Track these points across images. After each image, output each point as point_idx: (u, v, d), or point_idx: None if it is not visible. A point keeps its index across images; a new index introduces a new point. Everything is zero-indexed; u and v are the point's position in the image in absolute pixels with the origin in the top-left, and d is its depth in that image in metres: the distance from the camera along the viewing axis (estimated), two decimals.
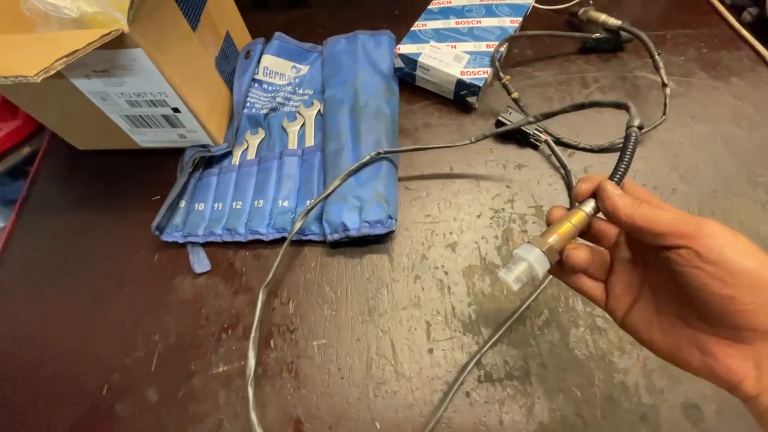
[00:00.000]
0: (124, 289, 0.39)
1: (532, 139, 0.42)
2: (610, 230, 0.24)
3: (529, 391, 0.32)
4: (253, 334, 0.34)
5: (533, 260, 0.22)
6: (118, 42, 0.31)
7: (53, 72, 0.25)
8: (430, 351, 0.34)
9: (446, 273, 0.37)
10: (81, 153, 0.48)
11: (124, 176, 0.46)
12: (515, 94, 0.42)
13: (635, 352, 0.32)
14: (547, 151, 0.42)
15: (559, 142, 0.42)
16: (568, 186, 0.40)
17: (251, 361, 0.33)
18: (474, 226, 0.39)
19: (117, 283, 0.40)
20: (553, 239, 0.22)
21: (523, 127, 0.41)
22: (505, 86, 0.42)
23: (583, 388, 0.32)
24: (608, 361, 0.33)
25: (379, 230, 0.37)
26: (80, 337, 0.38)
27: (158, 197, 0.44)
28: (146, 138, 0.44)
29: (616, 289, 0.23)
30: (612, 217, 0.21)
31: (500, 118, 0.42)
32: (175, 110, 0.39)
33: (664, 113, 0.41)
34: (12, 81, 0.24)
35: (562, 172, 0.41)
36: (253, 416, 0.31)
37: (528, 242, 0.23)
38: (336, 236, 0.37)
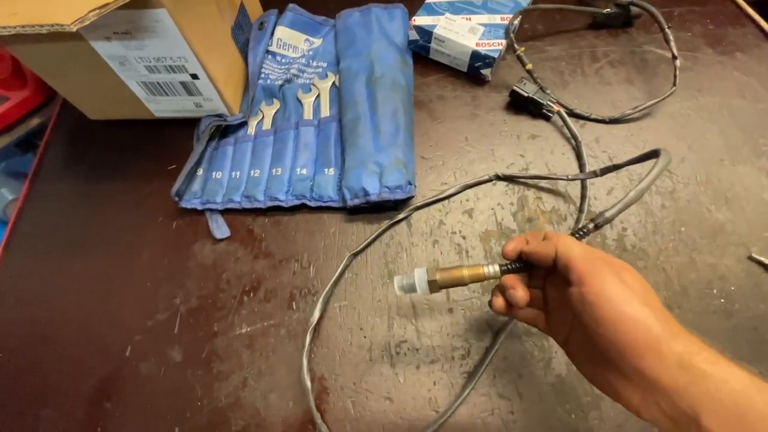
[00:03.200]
0: (143, 256, 0.40)
1: (545, 110, 0.42)
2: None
3: (547, 345, 0.33)
4: (326, 290, 0.36)
5: (417, 281, 0.28)
6: (142, 1, 0.31)
7: (88, 23, 0.25)
8: (450, 311, 0.35)
9: (464, 237, 0.38)
10: (92, 124, 0.47)
11: (137, 146, 0.46)
12: (530, 66, 0.43)
13: None
14: (560, 122, 0.43)
15: (571, 114, 0.43)
16: (578, 156, 0.41)
17: (316, 314, 0.35)
18: (490, 194, 0.40)
19: (135, 250, 0.40)
20: (440, 276, 0.27)
21: (536, 98, 0.42)
22: (519, 58, 0.43)
23: None
24: None
25: (399, 195, 0.38)
26: (101, 302, 0.38)
27: (174, 166, 0.44)
28: (161, 107, 0.44)
29: (552, 318, 0.26)
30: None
31: (515, 88, 0.43)
32: (194, 76, 0.39)
33: (674, 84, 0.42)
34: (48, 29, 0.24)
35: (573, 142, 0.42)
36: (305, 361, 0.33)
37: (427, 269, 0.28)
38: (356, 201, 0.38)
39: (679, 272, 0.35)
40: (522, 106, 0.44)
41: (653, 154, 0.28)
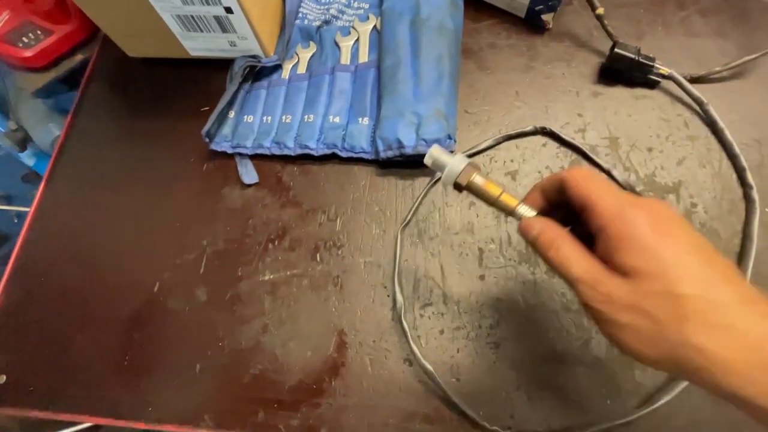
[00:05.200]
0: (175, 195, 0.40)
1: (652, 76, 0.36)
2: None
3: (586, 324, 0.30)
4: (396, 274, 0.33)
5: (449, 170, 0.24)
6: None
7: None
8: (482, 277, 0.33)
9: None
10: (132, 61, 0.47)
11: (174, 86, 0.45)
12: (600, 10, 0.37)
13: None
14: (622, 77, 0.37)
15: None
16: (710, 124, 0.35)
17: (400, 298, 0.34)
18: (538, 155, 0.36)
19: (167, 189, 0.40)
20: (475, 180, 0.24)
21: (643, 60, 0.35)
22: (589, 0, 0.37)
23: None
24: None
25: None
26: (135, 236, 0.38)
27: (207, 108, 0.43)
28: (197, 44, 0.42)
29: None
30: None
31: (619, 50, 0.35)
32: (228, 10, 0.37)
33: None
34: None
35: (697, 107, 0.35)
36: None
37: (468, 164, 0.24)
38: (389, 153, 0.35)
39: (759, 262, 0.30)
40: (615, 74, 0.37)
41: None
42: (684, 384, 0.27)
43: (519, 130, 0.36)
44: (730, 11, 0.39)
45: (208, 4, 0.37)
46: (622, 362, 0.29)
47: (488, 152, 0.37)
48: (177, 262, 0.37)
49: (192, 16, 0.38)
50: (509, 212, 0.24)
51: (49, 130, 0.54)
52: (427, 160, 0.25)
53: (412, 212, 0.35)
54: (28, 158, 0.63)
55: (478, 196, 0.24)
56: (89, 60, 0.50)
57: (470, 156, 0.36)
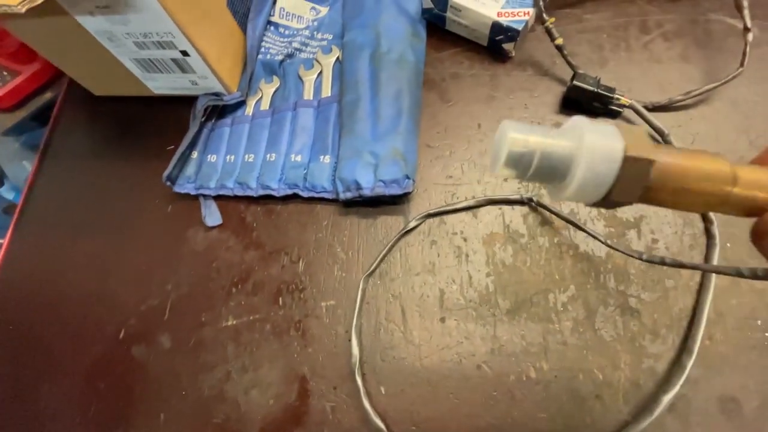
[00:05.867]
0: (140, 238, 0.40)
1: (613, 106, 0.35)
2: None
3: (546, 368, 0.30)
4: (354, 322, 0.33)
5: (587, 151, 0.12)
6: None
7: (37, 3, 0.23)
8: (442, 320, 0.33)
9: (465, 239, 0.35)
10: (99, 99, 0.47)
11: (140, 124, 0.45)
12: (560, 40, 0.36)
13: (670, 337, 0.29)
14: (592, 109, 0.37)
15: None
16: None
17: (355, 350, 0.33)
18: (500, 191, 0.36)
19: (132, 231, 0.40)
20: (669, 155, 0.12)
21: (603, 92, 0.34)
22: (548, 31, 0.37)
23: (605, 371, 0.29)
24: (638, 344, 0.30)
25: (395, 191, 0.34)
26: (99, 281, 0.39)
27: (173, 147, 0.43)
28: (159, 84, 0.42)
29: None
30: None
31: (577, 83, 0.35)
32: (184, 53, 0.37)
33: (741, 64, 0.34)
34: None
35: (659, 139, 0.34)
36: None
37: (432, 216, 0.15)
38: (349, 195, 0.35)
39: (718, 296, 0.30)
40: (576, 105, 0.37)
41: None
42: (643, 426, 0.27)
43: (504, 197, 0.35)
44: (693, 34, 0.39)
45: (164, 48, 0.36)
46: (582, 406, 0.29)
47: (449, 188, 0.36)
48: (142, 309, 0.37)
49: (150, 59, 0.38)
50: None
51: (23, 167, 0.54)
52: (500, 169, 0.14)
53: (378, 261, 0.34)
54: (6, 192, 0.63)
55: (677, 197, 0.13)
56: (57, 97, 0.50)
57: (435, 215, 0.35)
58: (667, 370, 0.28)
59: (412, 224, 0.35)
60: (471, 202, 0.35)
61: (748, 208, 0.14)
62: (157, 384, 0.34)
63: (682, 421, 0.27)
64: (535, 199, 0.34)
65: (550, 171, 0.13)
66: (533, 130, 0.14)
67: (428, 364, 0.31)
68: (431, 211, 0.35)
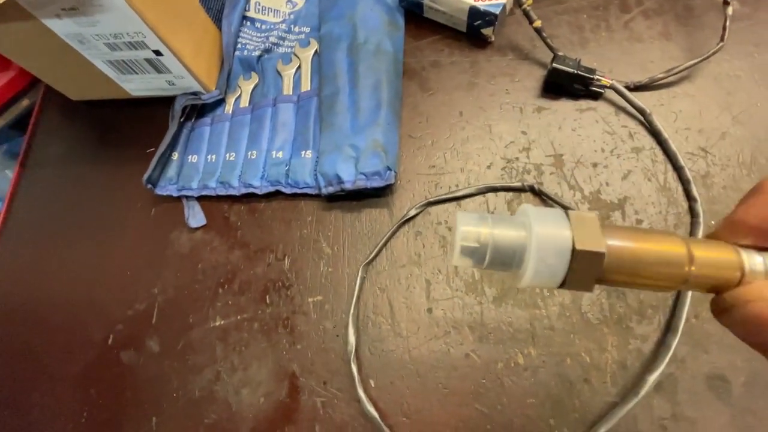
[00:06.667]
0: (123, 242, 0.39)
1: (594, 87, 0.35)
2: None
3: (534, 354, 0.30)
4: (352, 311, 0.32)
5: (535, 246, 0.13)
6: None
7: None
8: (429, 310, 0.32)
9: (450, 229, 0.34)
10: (76, 104, 0.46)
11: (120, 127, 0.45)
12: (538, 23, 0.36)
13: (656, 317, 0.29)
14: (571, 91, 0.36)
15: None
16: (654, 133, 0.34)
17: (352, 338, 0.32)
18: (483, 178, 0.35)
19: (117, 237, 0.40)
20: (621, 242, 0.13)
21: (583, 73, 0.34)
22: (526, 13, 0.36)
23: (592, 354, 0.29)
24: (625, 326, 0.30)
25: (377, 183, 0.34)
26: (86, 288, 0.38)
27: (153, 149, 0.42)
28: (135, 86, 0.41)
29: None
30: None
31: (556, 65, 0.34)
32: (157, 53, 0.36)
33: (722, 39, 0.34)
34: None
35: (641, 117, 0.34)
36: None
37: (567, 210, 0.14)
38: (330, 189, 0.35)
39: None
40: (558, 87, 0.36)
41: None
42: (624, 411, 0.27)
43: (505, 184, 0.34)
44: (673, 10, 0.38)
45: (136, 48, 0.36)
46: (571, 390, 0.29)
47: (432, 178, 0.36)
48: (129, 314, 0.36)
49: (123, 61, 0.38)
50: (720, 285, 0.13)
51: (5, 177, 0.53)
52: (457, 260, 0.14)
53: (377, 250, 0.34)
54: None
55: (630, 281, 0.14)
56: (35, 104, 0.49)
57: (435, 203, 0.35)
58: (652, 351, 0.28)
59: (412, 212, 0.34)
60: (471, 190, 0.35)
61: (708, 287, 0.14)
62: (148, 388, 0.34)
63: (670, 399, 0.27)
64: (536, 186, 0.34)
65: (505, 261, 0.14)
66: (484, 222, 0.14)
67: (417, 356, 0.31)
68: (431, 200, 0.35)
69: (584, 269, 0.13)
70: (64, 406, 0.35)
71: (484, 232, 0.13)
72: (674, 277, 0.13)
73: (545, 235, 0.13)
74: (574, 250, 0.13)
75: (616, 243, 0.13)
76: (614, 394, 0.28)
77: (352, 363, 0.31)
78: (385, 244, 0.34)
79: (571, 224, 0.13)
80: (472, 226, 0.14)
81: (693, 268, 0.13)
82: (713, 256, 0.13)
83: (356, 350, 0.31)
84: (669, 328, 0.28)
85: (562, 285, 0.13)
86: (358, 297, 0.33)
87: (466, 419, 0.29)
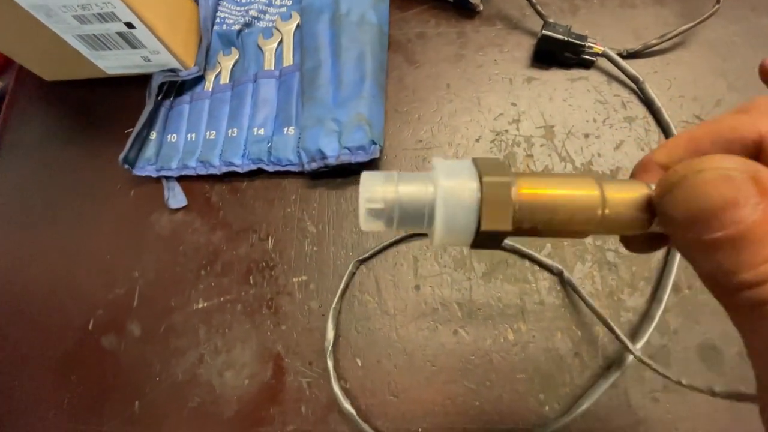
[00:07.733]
0: (102, 225, 0.38)
1: (586, 55, 0.33)
2: None
3: (524, 330, 0.29)
4: (334, 305, 0.31)
5: (441, 201, 0.12)
6: None
7: None
8: (417, 288, 0.32)
9: None
10: (51, 85, 0.44)
11: (95, 108, 0.43)
12: None
13: (648, 290, 0.28)
14: (561, 60, 0.35)
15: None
16: (647, 102, 0.33)
17: (330, 333, 0.31)
18: (471, 151, 0.34)
19: (95, 219, 0.38)
20: (531, 188, 0.12)
21: (574, 40, 0.33)
22: None
23: (584, 327, 0.29)
24: (616, 298, 0.29)
25: (361, 157, 0.33)
26: (65, 273, 0.37)
27: (131, 130, 0.41)
28: (110, 63, 0.40)
29: None
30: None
31: (546, 32, 0.33)
32: (129, 25, 0.34)
33: (718, 2, 0.33)
34: None
35: (633, 86, 0.33)
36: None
37: (471, 160, 0.13)
38: (314, 165, 0.34)
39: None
40: (549, 57, 0.35)
41: None
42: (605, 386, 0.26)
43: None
44: None
45: (106, 21, 0.34)
46: (561, 365, 0.28)
47: (419, 152, 0.35)
48: (109, 297, 0.35)
49: (95, 35, 0.36)
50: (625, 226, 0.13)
51: None
52: (365, 223, 0.13)
53: (374, 251, 0.32)
54: None
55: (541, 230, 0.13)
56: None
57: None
58: (638, 322, 0.28)
59: None
60: None
61: (620, 229, 0.13)
62: (130, 372, 0.33)
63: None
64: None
65: (416, 220, 0.13)
66: (390, 180, 0.13)
67: (404, 334, 0.31)
68: None
69: (495, 204, 0.12)
70: (45, 393, 0.34)
71: (389, 190, 0.12)
72: (588, 221, 0.13)
73: (452, 188, 0.12)
74: (481, 182, 0.12)
75: (526, 191, 0.12)
76: (605, 367, 0.27)
77: (327, 359, 0.30)
78: (384, 248, 0.33)
79: (478, 165, 0.12)
80: (378, 185, 0.13)
81: (606, 210, 0.12)
82: (626, 197, 0.13)
83: (331, 345, 0.30)
84: (654, 298, 0.28)
85: (478, 234, 0.12)
86: (344, 291, 0.32)
87: (453, 396, 0.28)
